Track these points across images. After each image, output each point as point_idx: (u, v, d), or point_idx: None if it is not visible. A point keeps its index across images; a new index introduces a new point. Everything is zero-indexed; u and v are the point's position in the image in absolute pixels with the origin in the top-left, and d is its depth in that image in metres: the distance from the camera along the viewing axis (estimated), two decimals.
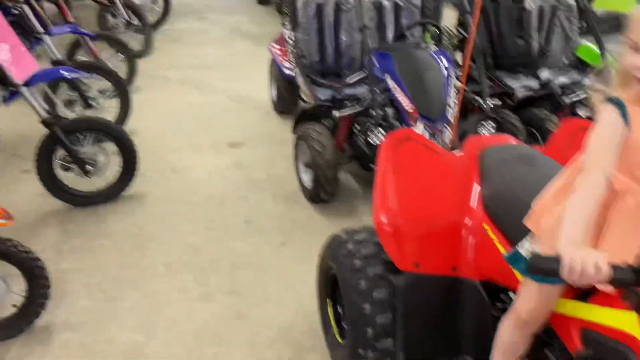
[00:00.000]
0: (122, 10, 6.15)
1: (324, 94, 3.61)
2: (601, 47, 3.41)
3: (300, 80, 4.00)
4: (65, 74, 3.40)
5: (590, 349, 1.34)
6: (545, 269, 1.08)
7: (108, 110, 4.13)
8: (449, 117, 3.12)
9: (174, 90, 5.42)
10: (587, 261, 1.04)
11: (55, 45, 3.93)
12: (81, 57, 4.92)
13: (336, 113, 3.20)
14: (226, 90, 5.44)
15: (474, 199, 1.84)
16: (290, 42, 4.25)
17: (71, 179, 3.28)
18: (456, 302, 1.82)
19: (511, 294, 1.63)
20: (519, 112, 3.68)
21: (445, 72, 3.25)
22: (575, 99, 3.55)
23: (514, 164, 1.81)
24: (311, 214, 3.30)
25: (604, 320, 1.33)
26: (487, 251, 1.74)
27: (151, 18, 7.53)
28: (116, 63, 5.01)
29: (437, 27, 3.73)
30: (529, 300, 1.47)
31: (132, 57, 5.24)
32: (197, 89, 5.48)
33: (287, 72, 4.27)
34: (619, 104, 1.24)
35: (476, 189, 1.86)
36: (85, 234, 3.07)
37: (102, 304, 2.55)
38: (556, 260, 1.07)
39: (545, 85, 3.87)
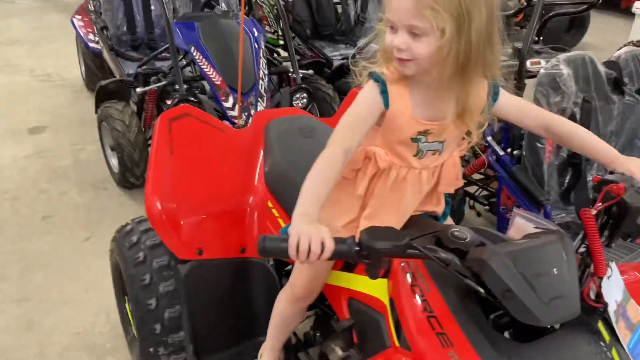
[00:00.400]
0: None
1: (133, 68, 3.32)
2: None
3: (105, 54, 3.64)
4: None
5: (353, 318, 1.35)
6: (275, 250, 1.02)
7: None
8: (261, 89, 3.03)
9: None
10: (313, 239, 0.99)
11: None
12: None
13: (138, 89, 2.93)
14: (32, 69, 4.82)
15: (258, 176, 1.76)
16: (93, 12, 3.85)
17: None
18: (247, 284, 1.75)
19: None
20: (336, 82, 3.71)
21: (255, 43, 3.14)
22: None
23: (294, 137, 1.76)
24: (123, 201, 3.04)
25: (363, 288, 1.34)
26: (271, 229, 1.68)
27: None
28: None
29: None
30: (301, 274, 1.43)
31: None
32: None
33: (93, 45, 3.87)
34: (380, 81, 1.20)
35: (260, 165, 1.79)
36: None
37: None
38: (284, 240, 1.01)
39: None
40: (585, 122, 2.31)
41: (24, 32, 5.77)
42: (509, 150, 2.35)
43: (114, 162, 3.09)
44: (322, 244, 0.99)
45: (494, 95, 1.23)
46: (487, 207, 2.65)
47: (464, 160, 3.00)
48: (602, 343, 1.08)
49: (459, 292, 1.11)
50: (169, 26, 2.82)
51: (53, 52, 5.18)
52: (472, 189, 2.82)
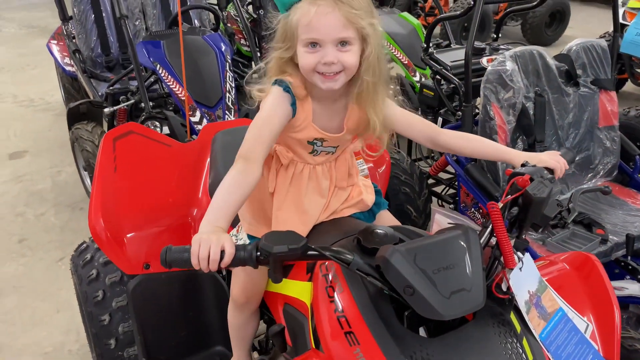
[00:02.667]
0: None
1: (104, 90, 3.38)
2: None
3: (79, 77, 3.70)
4: None
5: (286, 322, 1.37)
6: (177, 261, 1.05)
7: None
8: (228, 102, 3.07)
9: None
10: (213, 246, 1.01)
11: None
12: None
13: (106, 109, 2.98)
14: (16, 95, 4.90)
15: (202, 188, 1.79)
16: (66, 36, 3.92)
17: None
18: (197, 295, 1.77)
19: None
20: None
21: (222, 57, 3.18)
22: None
23: (238, 148, 1.79)
24: None
25: (294, 293, 1.36)
26: None
27: None
28: None
29: (213, 12, 3.65)
30: (237, 282, 1.47)
31: None
32: None
33: (69, 69, 3.93)
34: (288, 91, 1.23)
35: (205, 177, 1.82)
36: None
37: None
38: (186, 250, 1.04)
39: None
40: (540, 115, 2.33)
41: (8, 59, 5.86)
42: None
43: (88, 181, 3.13)
44: (223, 251, 1.02)
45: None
46: (452, 206, 2.67)
47: (431, 159, 3.03)
48: (512, 334, 1.10)
49: (372, 291, 1.13)
50: (132, 46, 2.87)
51: (36, 78, 5.26)
52: (439, 188, 2.84)
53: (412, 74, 3.59)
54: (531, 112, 2.32)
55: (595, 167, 2.58)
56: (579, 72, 2.45)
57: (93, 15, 3.85)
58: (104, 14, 3.88)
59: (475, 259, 1.06)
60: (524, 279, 1.16)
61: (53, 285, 2.58)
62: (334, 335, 1.09)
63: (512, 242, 1.18)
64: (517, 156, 1.31)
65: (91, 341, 1.91)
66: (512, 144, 2.32)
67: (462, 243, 1.07)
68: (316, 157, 1.34)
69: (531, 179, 1.17)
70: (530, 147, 2.32)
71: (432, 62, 2.77)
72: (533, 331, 1.11)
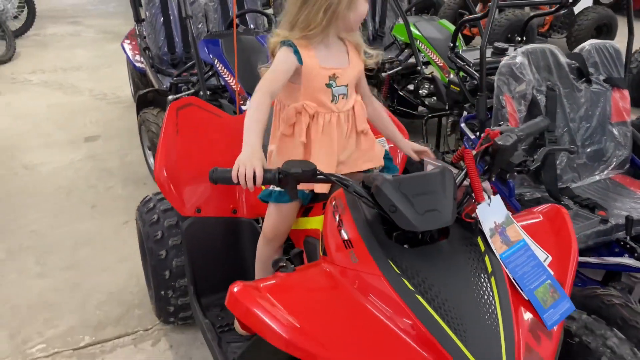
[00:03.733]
0: None
1: (169, 82, 3.84)
2: (408, 26, 3.90)
3: (147, 71, 4.20)
4: None
5: (305, 248, 1.71)
6: (222, 178, 1.40)
7: None
8: None
9: (35, 93, 5.41)
10: (248, 168, 1.36)
11: None
12: None
13: (169, 97, 3.43)
14: (91, 90, 5.50)
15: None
16: (138, 36, 4.44)
17: None
18: (237, 238, 2.13)
19: None
20: None
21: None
22: (391, 72, 4.02)
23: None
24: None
25: (312, 226, 1.70)
26: (254, 194, 2.06)
27: (16, 24, 7.40)
28: None
29: (267, 16, 4.07)
30: (270, 220, 1.81)
31: None
32: (60, 90, 5.50)
33: (139, 65, 4.44)
34: (291, 45, 1.60)
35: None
36: None
37: None
38: (229, 171, 1.39)
39: None
40: (551, 108, 2.57)
41: (86, 59, 6.53)
42: (477, 134, 2.64)
43: (151, 160, 3.59)
44: (254, 172, 1.37)
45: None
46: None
47: (452, 151, 3.30)
48: (477, 251, 1.39)
49: (368, 215, 1.44)
50: (195, 44, 3.31)
51: (109, 76, 5.86)
52: None
53: (447, 75, 3.87)
54: (543, 104, 2.56)
55: (607, 159, 2.78)
56: (590, 70, 2.67)
57: (162, 18, 4.36)
58: (171, 17, 4.38)
59: (448, 189, 1.36)
60: (492, 212, 1.44)
61: (118, 241, 3.02)
62: (335, 242, 1.42)
63: (486, 183, 1.48)
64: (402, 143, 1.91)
65: (149, 275, 2.30)
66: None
67: (439, 177, 1.38)
68: (337, 104, 1.67)
69: (501, 133, 1.46)
70: (540, 135, 2.56)
71: (457, 59, 3.06)
72: (494, 251, 1.40)
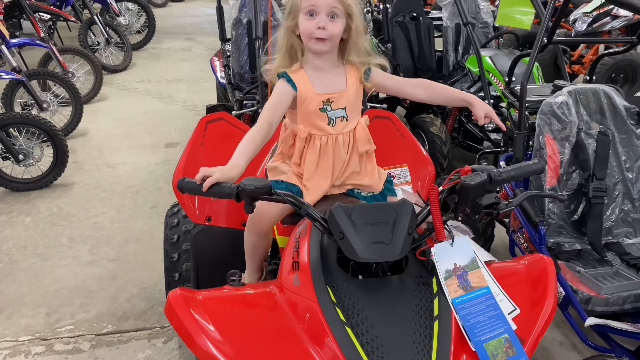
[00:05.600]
0: (102, 30, 6.79)
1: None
2: (479, 57, 3.77)
3: (227, 87, 4.47)
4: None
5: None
6: (186, 187, 1.47)
7: (62, 114, 4.71)
8: None
9: (137, 100, 5.96)
10: (210, 177, 1.42)
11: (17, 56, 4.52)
12: (53, 68, 5.50)
13: (234, 112, 3.63)
14: (185, 100, 5.95)
15: (263, 166, 2.23)
16: (224, 54, 4.75)
17: (10, 167, 3.80)
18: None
19: None
20: (413, 117, 4.05)
21: None
22: None
23: None
24: None
25: (283, 245, 1.73)
26: None
27: (138, 37, 8.22)
28: (84, 74, 5.63)
29: None
30: (252, 214, 1.83)
31: (98, 70, 5.81)
32: (159, 99, 6.01)
33: (222, 80, 4.74)
34: (285, 76, 1.65)
35: (268, 157, 2.25)
36: (12, 212, 3.56)
37: (3, 265, 3.00)
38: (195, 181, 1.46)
39: None
40: (602, 154, 2.36)
41: (190, 73, 7.07)
42: None
43: None
44: (212, 182, 1.42)
45: (367, 71, 1.71)
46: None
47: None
48: (428, 292, 1.33)
49: (325, 242, 1.44)
50: (259, 65, 3.47)
51: (205, 89, 6.29)
52: None
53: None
54: (592, 148, 2.36)
55: None
56: None
57: (247, 39, 4.62)
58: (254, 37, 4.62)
59: (403, 222, 1.32)
60: (454, 253, 1.37)
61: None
62: (287, 263, 1.43)
63: (458, 222, 1.41)
64: (463, 95, 1.74)
65: (165, 274, 2.44)
66: (566, 176, 2.38)
67: (395, 209, 1.34)
68: (335, 126, 1.69)
69: (473, 170, 1.39)
70: (586, 182, 2.36)
71: (510, 95, 2.91)
72: (447, 294, 1.32)
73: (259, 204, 1.78)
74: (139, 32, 8.33)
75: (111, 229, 3.39)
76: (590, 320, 2.04)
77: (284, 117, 1.75)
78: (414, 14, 4.81)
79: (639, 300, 2.10)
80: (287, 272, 1.41)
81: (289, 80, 1.65)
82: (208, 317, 1.29)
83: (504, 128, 1.70)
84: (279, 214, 1.78)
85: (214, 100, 5.62)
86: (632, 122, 2.40)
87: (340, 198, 1.74)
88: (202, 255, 2.17)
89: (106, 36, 6.85)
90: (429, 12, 5.57)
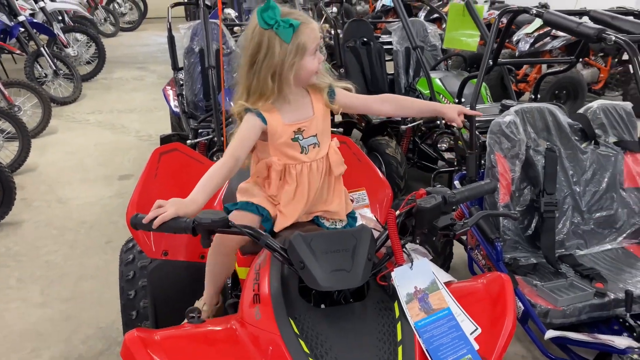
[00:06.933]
0: (50, 61, 6.62)
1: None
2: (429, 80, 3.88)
3: (181, 115, 4.42)
4: None
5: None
6: (138, 223, 1.42)
7: (8, 149, 4.55)
8: None
9: (87, 132, 5.81)
10: (168, 208, 1.39)
11: None
12: None
13: (188, 141, 3.58)
14: (139, 130, 5.84)
15: (219, 197, 2.20)
16: (177, 83, 4.71)
17: None
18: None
19: None
20: (369, 140, 4.11)
21: None
22: (411, 125, 3.99)
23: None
24: None
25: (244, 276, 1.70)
26: None
27: (88, 68, 8.06)
28: (31, 108, 5.47)
29: None
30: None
31: (46, 102, 5.64)
32: (111, 130, 5.88)
33: (175, 109, 4.68)
34: (254, 111, 1.64)
35: (224, 189, 2.23)
36: None
37: None
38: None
39: None
40: (550, 170, 2.44)
41: (142, 103, 6.96)
42: None
43: None
44: (167, 218, 1.39)
45: (331, 93, 1.74)
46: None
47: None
48: (390, 317, 1.33)
49: (286, 272, 1.42)
50: (214, 92, 3.46)
51: (159, 118, 6.19)
52: None
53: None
54: (540, 165, 2.45)
55: (619, 227, 2.59)
56: (597, 131, 2.53)
57: (200, 67, 4.60)
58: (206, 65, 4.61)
59: (362, 248, 1.32)
60: (414, 276, 1.38)
61: None
62: (248, 296, 1.41)
63: (417, 246, 1.42)
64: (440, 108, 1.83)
65: (121, 312, 2.35)
66: (518, 192, 2.45)
67: (354, 237, 1.34)
68: (308, 154, 1.69)
69: (428, 193, 1.41)
70: (537, 197, 2.44)
71: None
72: (409, 318, 1.33)
73: (233, 216, 1.75)
74: (88, 62, 8.17)
75: (64, 267, 3.26)
76: (549, 333, 2.09)
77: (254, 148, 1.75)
78: (365, 39, 4.91)
79: (594, 310, 2.16)
80: (248, 306, 1.39)
81: (259, 115, 1.64)
82: (167, 359, 1.25)
83: (480, 114, 1.78)
84: (240, 238, 1.75)
85: (168, 130, 5.54)
86: (576, 138, 2.51)
87: (304, 226, 1.73)
88: (159, 291, 2.11)
89: (54, 68, 6.67)
90: (379, 36, 5.70)
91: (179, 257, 2.12)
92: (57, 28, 7.40)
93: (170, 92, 4.91)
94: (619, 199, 2.57)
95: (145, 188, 2.19)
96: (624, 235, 2.59)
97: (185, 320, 1.45)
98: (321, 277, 1.28)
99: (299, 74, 1.62)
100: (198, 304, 1.89)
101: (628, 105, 2.58)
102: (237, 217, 1.69)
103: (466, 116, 2.96)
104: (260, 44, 1.57)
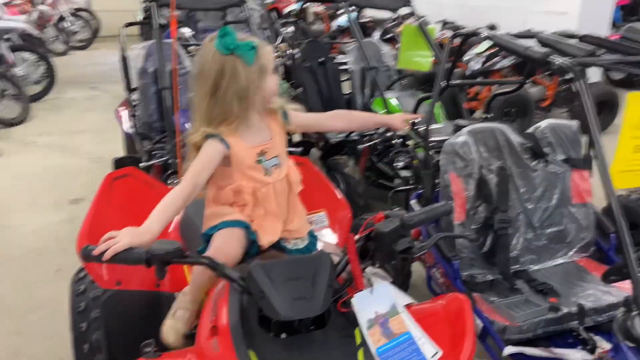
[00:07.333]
0: None
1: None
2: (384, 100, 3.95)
3: (134, 137, 4.32)
4: None
5: None
6: (87, 255, 1.37)
7: None
8: None
9: (36, 154, 5.61)
10: (122, 239, 1.34)
11: None
12: None
13: (141, 164, 3.50)
14: (90, 153, 5.68)
15: (174, 224, 2.15)
16: (130, 103, 4.61)
17: None
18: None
19: None
20: (327, 159, 4.13)
21: None
22: (368, 144, 4.04)
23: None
24: None
25: None
26: (179, 268, 2.04)
27: (37, 88, 7.80)
28: None
29: None
30: (213, 244, 1.72)
31: None
32: (61, 152, 5.69)
33: (128, 131, 4.58)
34: (216, 135, 1.62)
35: (179, 217, 2.18)
36: None
37: None
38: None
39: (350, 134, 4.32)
40: (502, 188, 2.50)
41: (94, 123, 6.77)
42: None
43: None
44: (119, 249, 1.34)
45: (284, 115, 1.78)
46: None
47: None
48: (352, 344, 1.32)
49: (244, 302, 1.40)
50: (168, 113, 3.40)
51: (112, 139, 6.01)
52: None
53: None
54: (493, 183, 2.51)
55: (570, 242, 2.67)
56: (546, 150, 2.62)
57: (154, 88, 4.52)
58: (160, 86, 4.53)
59: (322, 275, 1.31)
60: (374, 301, 1.38)
61: None
62: (205, 328, 1.37)
63: (377, 269, 1.42)
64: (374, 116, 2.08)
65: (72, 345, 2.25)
66: (473, 211, 2.50)
67: (313, 263, 1.33)
68: (271, 176, 1.71)
69: (387, 217, 1.41)
70: (491, 215, 2.49)
71: (415, 135, 3.05)
72: (370, 345, 1.32)
73: (219, 235, 1.70)
74: (37, 82, 7.91)
75: (10, 298, 3.10)
76: (508, 349, 2.12)
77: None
78: (322, 59, 4.96)
79: (549, 324, 2.21)
80: (205, 338, 1.35)
81: (222, 140, 1.62)
82: None
83: (419, 117, 2.03)
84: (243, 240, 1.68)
85: (121, 152, 5.40)
86: (526, 156, 2.58)
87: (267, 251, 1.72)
88: (113, 323, 2.04)
89: (0, 87, 6.44)
90: (335, 57, 5.76)
91: (133, 286, 2.05)
92: (3, 47, 7.15)
93: (123, 113, 4.80)
94: (568, 214, 2.66)
95: (97, 215, 2.11)
96: (575, 249, 2.67)
97: (141, 356, 1.40)
98: (281, 306, 1.26)
99: (264, 95, 1.65)
100: (168, 323, 1.80)
101: (574, 124, 2.68)
102: (225, 236, 1.66)
103: (421, 136, 3.03)
104: (223, 70, 1.57)
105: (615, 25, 9.24)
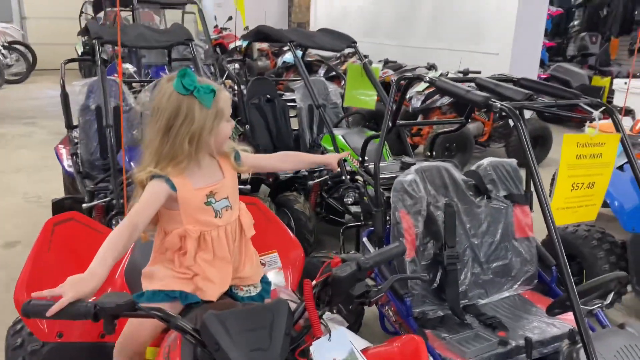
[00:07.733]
0: None
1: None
2: (332, 137, 4.01)
3: (75, 176, 4.16)
4: None
5: None
6: (32, 311, 1.29)
7: None
8: None
9: None
10: (64, 292, 1.27)
11: None
12: None
13: (84, 205, 3.37)
14: (27, 192, 5.41)
15: (120, 270, 2.07)
16: (71, 142, 4.45)
17: None
18: None
19: None
20: (277, 196, 4.12)
21: None
22: (317, 180, 4.07)
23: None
24: None
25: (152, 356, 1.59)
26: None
27: None
28: None
29: None
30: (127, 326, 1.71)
31: None
32: None
33: (69, 169, 4.41)
34: (163, 176, 1.58)
35: (124, 262, 2.10)
36: None
37: None
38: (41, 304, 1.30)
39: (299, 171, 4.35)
40: (450, 223, 2.57)
41: (30, 161, 6.48)
42: (377, 248, 2.61)
43: None
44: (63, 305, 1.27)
45: (236, 156, 1.77)
46: None
47: None
48: None
49: (199, 354, 1.35)
50: (112, 152, 3.31)
51: (49, 178, 5.78)
52: None
53: None
54: (440, 219, 2.57)
55: (514, 275, 2.76)
56: (489, 186, 2.73)
57: (96, 125, 4.40)
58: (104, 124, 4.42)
59: (279, 324, 1.29)
60: (332, 348, 1.37)
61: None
62: None
63: (334, 315, 1.41)
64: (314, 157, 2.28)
65: None
66: (422, 247, 2.55)
67: (270, 311, 1.31)
68: (222, 218, 1.67)
69: (343, 261, 1.42)
70: (440, 251, 2.54)
71: (365, 173, 3.11)
72: None
73: (130, 322, 1.65)
74: None
75: None
76: None
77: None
78: (269, 96, 5.00)
79: (499, 359, 2.26)
80: None
81: (167, 180, 1.59)
82: None
83: (347, 154, 2.13)
84: (153, 329, 1.64)
85: (60, 191, 5.17)
86: (470, 193, 2.68)
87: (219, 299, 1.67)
88: None
89: None
90: (283, 93, 5.83)
91: (76, 338, 1.95)
92: None
93: (64, 151, 4.64)
94: (512, 248, 2.76)
95: (38, 263, 2.01)
96: (519, 282, 2.77)
97: None
98: (238, 358, 1.22)
99: (216, 138, 1.64)
100: None
101: (514, 161, 2.81)
102: (139, 323, 1.63)
103: (371, 174, 3.09)
104: (179, 109, 1.56)
105: (543, 64, 9.88)
